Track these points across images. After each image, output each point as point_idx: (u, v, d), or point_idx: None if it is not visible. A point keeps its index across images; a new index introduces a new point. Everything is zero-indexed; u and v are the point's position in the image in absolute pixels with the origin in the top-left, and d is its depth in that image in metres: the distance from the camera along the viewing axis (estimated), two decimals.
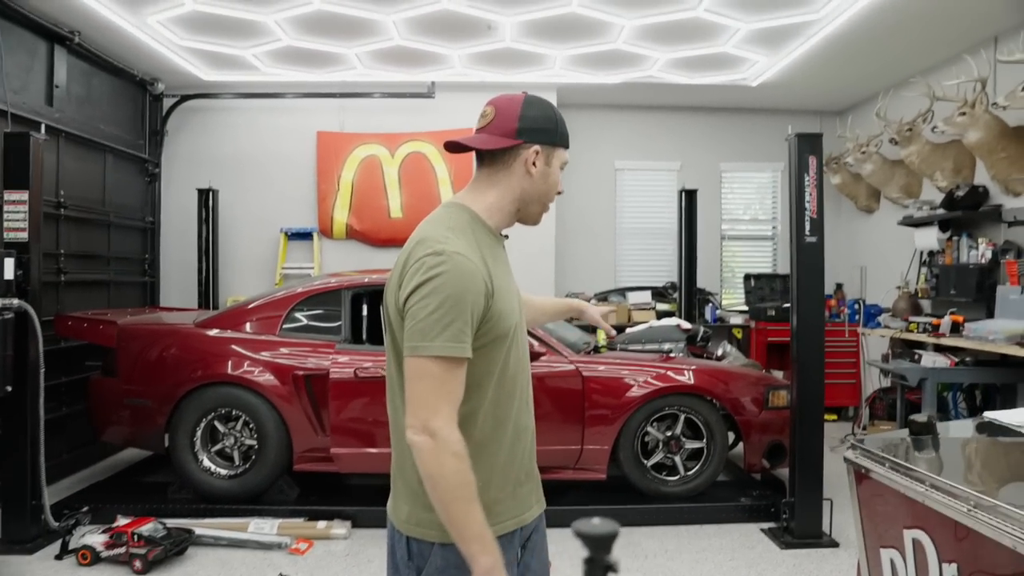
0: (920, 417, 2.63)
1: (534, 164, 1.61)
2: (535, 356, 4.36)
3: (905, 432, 2.62)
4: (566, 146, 1.70)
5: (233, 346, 4.53)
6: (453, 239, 1.52)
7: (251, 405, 4.41)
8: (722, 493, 4.78)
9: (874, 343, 7.24)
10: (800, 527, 4.22)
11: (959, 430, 2.80)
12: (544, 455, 4.46)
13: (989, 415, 2.80)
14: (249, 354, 4.49)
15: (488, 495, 1.54)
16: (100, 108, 5.96)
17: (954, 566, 2.02)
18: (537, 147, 1.61)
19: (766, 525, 4.46)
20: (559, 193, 1.72)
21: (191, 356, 4.51)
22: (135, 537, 3.76)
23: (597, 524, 0.92)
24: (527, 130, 1.61)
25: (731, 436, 4.87)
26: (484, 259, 1.55)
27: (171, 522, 4.03)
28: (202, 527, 4.11)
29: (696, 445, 4.62)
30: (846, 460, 2.62)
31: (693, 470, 4.61)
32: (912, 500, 2.17)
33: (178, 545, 3.88)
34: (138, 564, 3.69)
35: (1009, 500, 1.83)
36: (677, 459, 4.60)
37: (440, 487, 1.43)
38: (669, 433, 4.59)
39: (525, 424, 1.67)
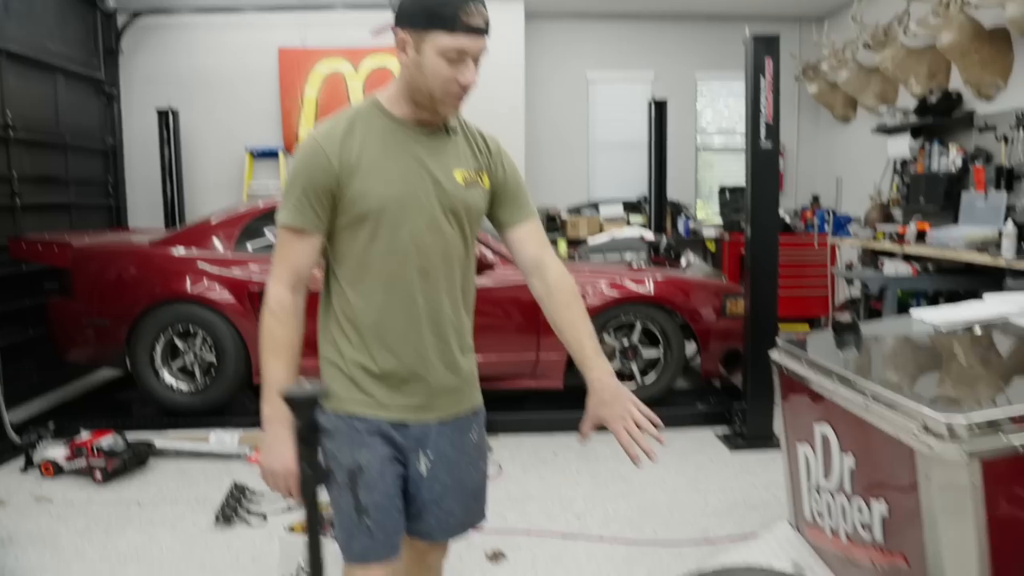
0: (844, 317, 2.65)
1: (404, 52, 1.54)
2: (487, 267, 4.36)
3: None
4: (447, 28, 1.46)
5: (187, 264, 4.53)
6: (327, 123, 1.60)
7: (208, 321, 4.44)
8: (680, 400, 4.88)
9: (849, 254, 7.24)
10: (751, 430, 4.31)
11: (886, 329, 2.82)
12: (501, 364, 4.57)
13: (915, 313, 2.82)
14: (203, 271, 4.49)
15: (350, 371, 1.62)
16: (46, 26, 5.75)
17: (851, 456, 2.07)
18: (401, 33, 1.53)
19: (721, 430, 4.56)
20: (465, 87, 1.53)
21: (145, 275, 4.52)
22: (95, 450, 3.84)
23: (303, 387, 0.95)
24: (398, 15, 1.55)
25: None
26: (356, 141, 1.56)
27: (133, 435, 4.11)
28: (164, 440, 4.20)
29: (653, 354, 4.67)
30: (772, 360, 2.66)
31: (650, 378, 4.68)
32: (821, 395, 2.21)
33: (139, 457, 3.97)
34: (98, 475, 3.79)
35: (901, 391, 1.85)
36: (634, 367, 4.66)
37: (260, 339, 1.59)
38: (626, 341, 4.64)
39: (402, 322, 1.60)
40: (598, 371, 1.63)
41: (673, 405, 4.75)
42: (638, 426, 1.59)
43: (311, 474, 0.95)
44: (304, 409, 0.92)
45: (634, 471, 3.91)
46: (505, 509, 3.48)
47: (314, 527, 1.07)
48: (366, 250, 1.58)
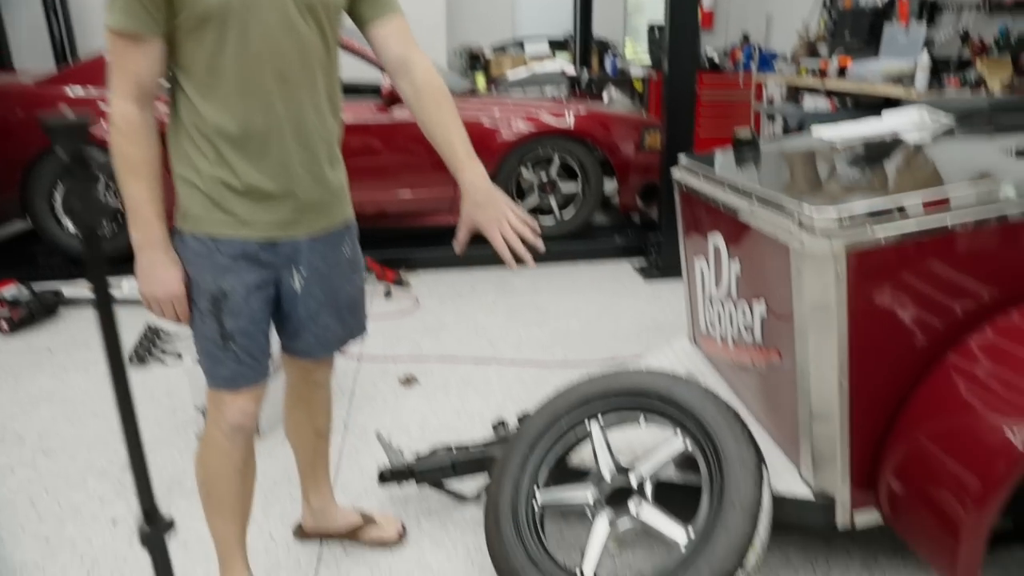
0: (743, 133, 2.66)
1: None
2: (397, 100, 4.21)
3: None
4: None
5: (79, 104, 4.23)
6: None
7: (109, 165, 4.22)
8: (598, 234, 4.96)
9: (775, 91, 7.22)
10: (665, 261, 4.42)
11: (785, 144, 2.85)
12: (418, 201, 4.53)
13: (815, 129, 2.86)
14: (99, 111, 4.21)
15: (208, 188, 1.51)
16: None
17: (737, 261, 2.14)
18: None
19: (638, 262, 4.68)
20: None
21: (33, 118, 4.21)
22: None
23: (65, 115, 0.92)
24: None
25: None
26: None
27: (42, 286, 3.99)
28: (73, 289, 4.09)
29: (572, 188, 4.68)
30: (673, 180, 2.68)
31: (569, 212, 4.71)
32: (713, 207, 2.25)
33: (46, 306, 3.87)
34: (3, 325, 3.69)
35: (782, 194, 1.89)
36: (552, 201, 4.67)
37: (113, 163, 1.43)
38: (544, 176, 4.62)
39: (263, 132, 1.48)
40: (470, 173, 1.56)
41: (592, 239, 4.83)
42: (520, 238, 1.55)
43: (84, 211, 0.92)
44: (68, 139, 0.88)
45: (550, 301, 4.03)
46: (420, 338, 3.55)
47: (100, 280, 1.04)
48: (214, 57, 1.42)
